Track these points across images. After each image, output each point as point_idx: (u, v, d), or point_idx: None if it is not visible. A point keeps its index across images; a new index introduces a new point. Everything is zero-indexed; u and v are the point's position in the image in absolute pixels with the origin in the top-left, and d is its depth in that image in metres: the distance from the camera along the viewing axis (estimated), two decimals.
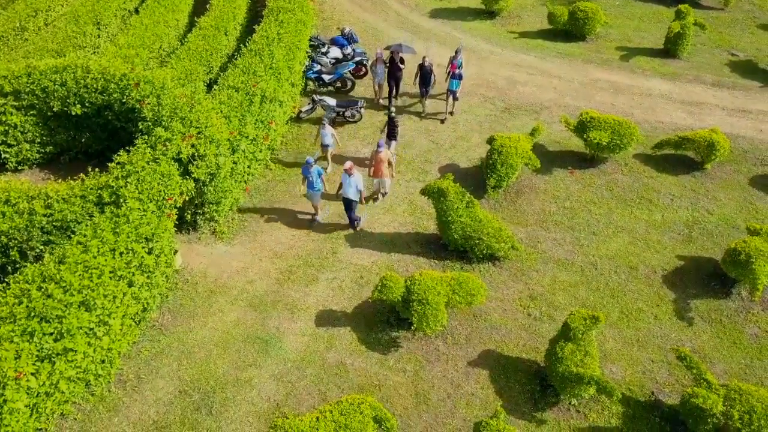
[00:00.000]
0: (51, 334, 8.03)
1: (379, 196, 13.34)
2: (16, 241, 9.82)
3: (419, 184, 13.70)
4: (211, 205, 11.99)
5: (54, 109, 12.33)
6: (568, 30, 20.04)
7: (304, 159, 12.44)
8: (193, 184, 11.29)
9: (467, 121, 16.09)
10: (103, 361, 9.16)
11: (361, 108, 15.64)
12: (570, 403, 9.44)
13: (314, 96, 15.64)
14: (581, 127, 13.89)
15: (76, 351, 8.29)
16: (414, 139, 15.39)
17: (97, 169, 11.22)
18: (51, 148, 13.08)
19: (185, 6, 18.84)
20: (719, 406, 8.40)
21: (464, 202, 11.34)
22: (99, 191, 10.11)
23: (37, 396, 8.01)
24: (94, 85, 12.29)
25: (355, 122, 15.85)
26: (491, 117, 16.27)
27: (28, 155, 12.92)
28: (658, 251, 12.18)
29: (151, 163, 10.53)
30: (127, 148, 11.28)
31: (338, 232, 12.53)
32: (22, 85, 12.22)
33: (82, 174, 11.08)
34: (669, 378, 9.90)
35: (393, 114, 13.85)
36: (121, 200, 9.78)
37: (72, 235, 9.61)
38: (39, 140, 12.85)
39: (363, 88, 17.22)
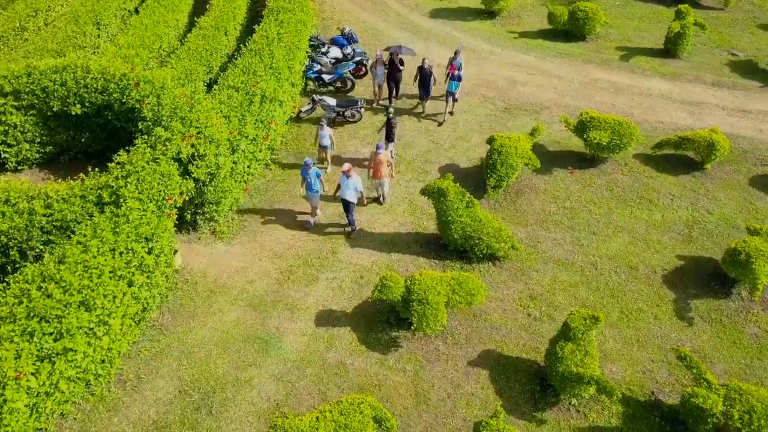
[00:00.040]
0: (51, 334, 8.04)
1: (381, 199, 13.32)
2: (16, 241, 9.82)
3: (419, 184, 13.70)
4: (211, 205, 11.98)
5: (54, 108, 12.34)
6: (568, 30, 20.04)
7: (304, 159, 12.43)
8: (193, 184, 11.29)
9: (467, 121, 16.09)
10: (103, 361, 9.16)
11: (361, 108, 15.64)
12: (570, 403, 9.44)
13: (314, 96, 15.64)
14: (581, 127, 13.88)
15: (76, 351, 8.30)
16: (414, 139, 15.39)
17: (97, 169, 11.24)
18: (51, 148, 13.09)
19: (185, 6, 18.85)
20: (719, 405, 8.40)
21: (464, 202, 11.34)
22: (99, 191, 10.12)
23: (37, 396, 8.01)
24: (94, 85, 12.30)
25: (355, 122, 15.85)
26: (491, 117, 16.27)
27: (28, 155, 12.93)
28: (658, 251, 12.18)
29: (151, 163, 10.53)
30: (127, 148, 11.29)
31: (338, 232, 12.53)
32: (22, 85, 12.23)
33: (82, 174, 11.10)
34: (669, 378, 9.90)
35: (391, 116, 13.84)
36: (121, 200, 9.78)
37: (72, 235, 9.61)
38: (39, 140, 12.87)
39: (363, 89, 17.22)
